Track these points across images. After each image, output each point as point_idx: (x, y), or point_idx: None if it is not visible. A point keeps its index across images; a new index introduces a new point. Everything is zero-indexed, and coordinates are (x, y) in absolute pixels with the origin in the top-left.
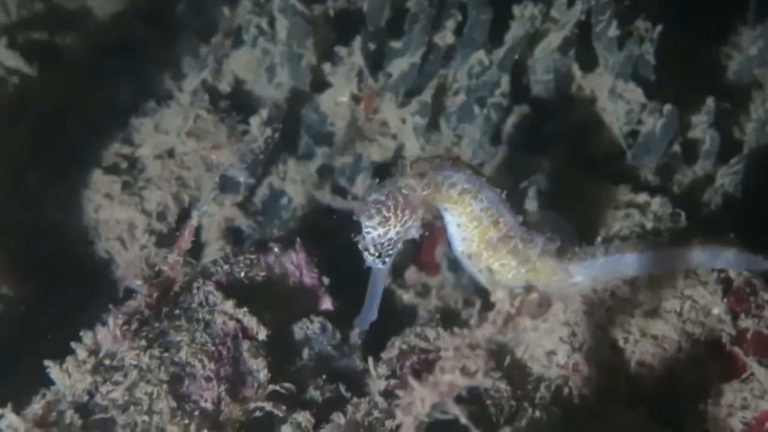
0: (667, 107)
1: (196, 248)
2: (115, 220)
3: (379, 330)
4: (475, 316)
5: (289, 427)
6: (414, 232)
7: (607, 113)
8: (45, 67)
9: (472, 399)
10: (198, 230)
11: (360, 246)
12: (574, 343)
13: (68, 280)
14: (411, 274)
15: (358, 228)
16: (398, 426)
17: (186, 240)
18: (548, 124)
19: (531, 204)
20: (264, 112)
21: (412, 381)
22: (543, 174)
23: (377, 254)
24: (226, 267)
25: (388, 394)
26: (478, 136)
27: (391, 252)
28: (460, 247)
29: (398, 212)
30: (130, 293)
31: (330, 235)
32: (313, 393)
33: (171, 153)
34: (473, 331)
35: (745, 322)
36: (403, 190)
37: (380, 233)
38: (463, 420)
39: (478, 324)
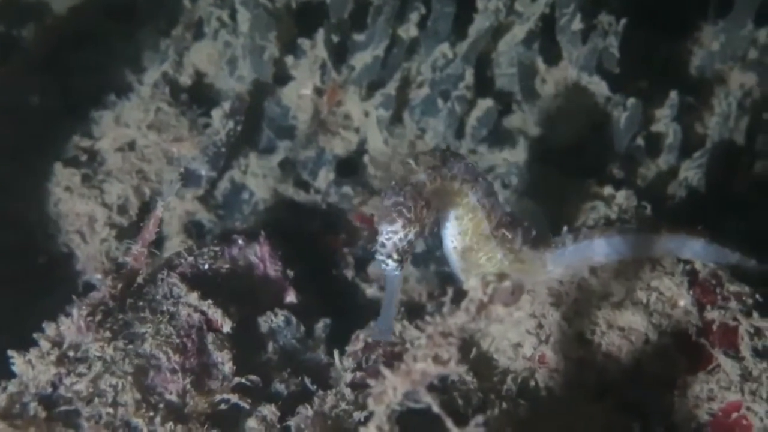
0: (631, 101)
1: (157, 242)
2: (75, 213)
3: (342, 324)
4: (447, 304)
5: (255, 420)
6: (427, 231)
7: (571, 106)
8: (3, 59)
9: (440, 391)
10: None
11: (381, 255)
12: (540, 336)
13: (27, 273)
14: (374, 268)
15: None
16: (369, 416)
17: (150, 231)
18: (512, 118)
19: None
20: (226, 105)
21: (384, 369)
22: (507, 167)
23: (399, 259)
24: (190, 259)
25: (354, 387)
26: (442, 129)
27: (408, 255)
28: (453, 242)
29: (418, 211)
30: (89, 287)
31: (293, 229)
32: (278, 386)
33: (132, 146)
34: (446, 319)
35: (711, 314)
36: (418, 187)
37: (402, 236)
38: (435, 409)
39: (451, 312)
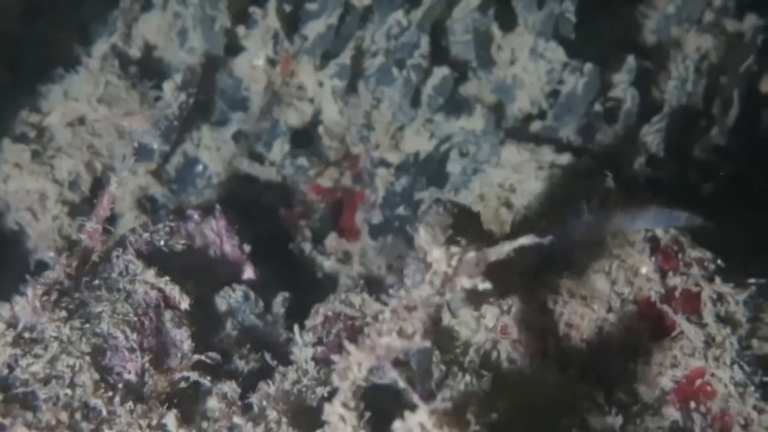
0: (588, 66)
1: (111, 219)
2: (25, 190)
3: (300, 298)
4: (410, 277)
5: (215, 398)
6: None
7: (528, 73)
8: None
9: (403, 365)
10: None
11: None
12: (502, 306)
13: None
14: (331, 241)
15: None
16: (333, 392)
17: (104, 207)
18: (469, 85)
19: (453, 167)
20: (178, 77)
21: (348, 345)
22: (464, 135)
23: None
24: (145, 235)
25: (316, 362)
26: (398, 98)
27: None
28: None
29: None
30: (42, 265)
31: (248, 202)
32: (238, 363)
33: (82, 120)
34: (410, 293)
35: (674, 280)
36: None
37: None
38: (402, 384)
39: (415, 285)
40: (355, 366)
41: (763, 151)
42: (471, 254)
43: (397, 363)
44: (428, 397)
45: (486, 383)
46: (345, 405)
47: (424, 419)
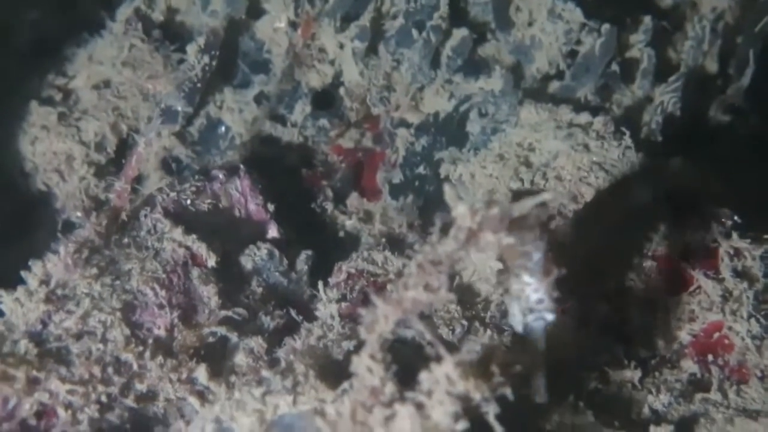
0: (606, 27)
1: (137, 179)
2: (52, 152)
3: (323, 257)
4: (436, 232)
5: (242, 353)
6: None
7: (546, 34)
8: None
9: (425, 320)
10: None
11: (542, 312)
12: None
13: (5, 213)
14: (353, 200)
15: None
16: (360, 345)
17: (133, 167)
18: (487, 47)
19: (473, 127)
20: (201, 40)
21: (375, 298)
22: (483, 96)
23: None
24: (172, 195)
25: (340, 317)
26: (417, 60)
27: None
28: None
29: None
30: (69, 225)
31: (270, 163)
32: (264, 319)
33: (107, 83)
34: (435, 248)
35: (691, 236)
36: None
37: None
38: (428, 336)
39: (440, 240)
40: (382, 319)
41: None
42: (495, 209)
43: (423, 316)
44: (453, 349)
45: (507, 338)
46: (372, 357)
47: (450, 370)
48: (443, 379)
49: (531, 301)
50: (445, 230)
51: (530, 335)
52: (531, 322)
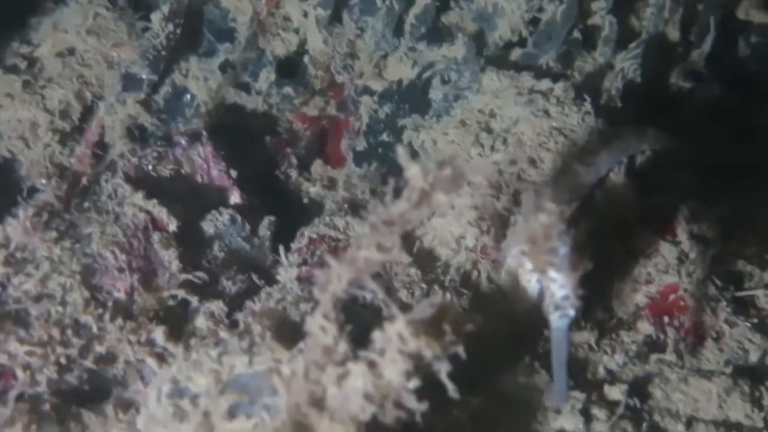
0: None
1: (102, 147)
2: (16, 119)
3: (287, 223)
4: (389, 193)
5: (203, 316)
6: None
7: (508, 2)
8: None
9: (385, 284)
10: (103, 130)
11: (566, 309)
12: (482, 227)
13: None
14: (317, 167)
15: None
16: (315, 305)
17: (93, 132)
18: (450, 14)
19: (435, 94)
20: (165, 8)
21: (329, 258)
22: (446, 63)
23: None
24: (134, 160)
25: (300, 281)
26: (381, 27)
27: None
28: None
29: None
30: (34, 192)
31: (235, 131)
32: (226, 284)
33: (71, 51)
34: (388, 208)
35: (650, 200)
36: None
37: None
38: (381, 295)
39: (393, 201)
40: (335, 279)
41: (739, 77)
42: (447, 170)
43: (376, 276)
44: (406, 309)
45: (465, 301)
46: (326, 316)
47: (402, 329)
48: (395, 338)
49: (557, 297)
50: (398, 192)
51: (555, 333)
52: (556, 320)
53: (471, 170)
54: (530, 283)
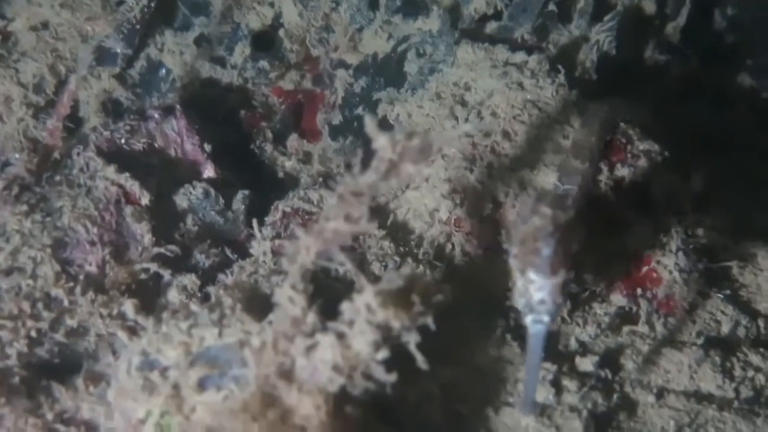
0: None
1: (77, 122)
2: None
3: (262, 197)
4: (357, 164)
5: (175, 289)
6: None
7: None
8: None
9: (355, 258)
10: (77, 104)
11: (540, 314)
12: (455, 199)
13: None
14: (292, 141)
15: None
16: (284, 276)
17: (65, 105)
18: None
19: (411, 67)
20: None
21: (298, 230)
22: (422, 36)
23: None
24: (106, 134)
25: (273, 254)
26: (356, 1)
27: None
28: None
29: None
30: (8, 166)
31: (210, 105)
32: (199, 257)
33: (45, 25)
34: (356, 179)
35: (621, 172)
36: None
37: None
38: (349, 266)
39: (361, 172)
40: (304, 250)
41: (714, 49)
42: (415, 141)
43: (346, 248)
44: (375, 279)
45: (439, 273)
46: (294, 288)
47: (370, 299)
48: (363, 309)
49: (533, 300)
50: (366, 162)
51: (530, 340)
52: (531, 326)
53: (439, 140)
54: (516, 285)
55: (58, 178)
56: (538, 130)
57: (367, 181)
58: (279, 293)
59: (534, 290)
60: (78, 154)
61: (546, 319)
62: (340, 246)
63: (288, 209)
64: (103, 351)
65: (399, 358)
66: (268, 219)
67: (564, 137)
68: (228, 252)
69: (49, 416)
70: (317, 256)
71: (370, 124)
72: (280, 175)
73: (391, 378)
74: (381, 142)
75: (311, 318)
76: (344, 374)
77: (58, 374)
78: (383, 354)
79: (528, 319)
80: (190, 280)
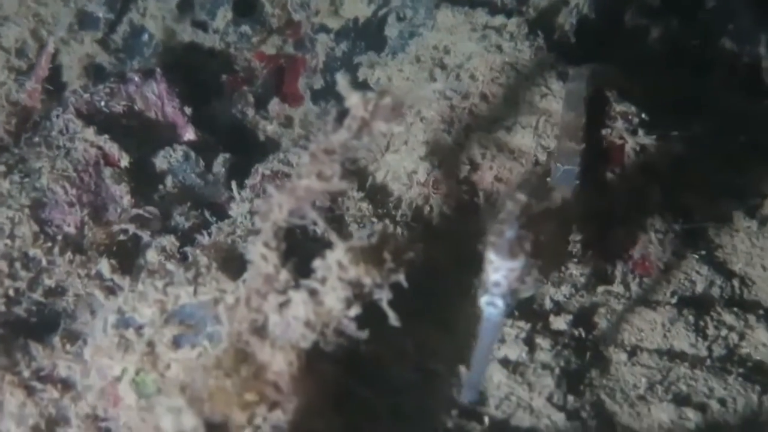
0: None
1: (59, 86)
2: None
3: (242, 160)
4: (330, 122)
5: (154, 250)
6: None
7: None
8: None
9: (333, 219)
10: (59, 69)
11: (493, 296)
12: (433, 161)
13: None
14: (274, 105)
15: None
16: (256, 234)
17: (43, 67)
18: None
19: (391, 31)
20: None
21: (270, 188)
22: (402, 1)
23: (510, 302)
24: (86, 96)
25: (251, 216)
26: None
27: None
28: None
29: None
30: None
31: (193, 69)
32: (178, 219)
33: None
34: (328, 137)
35: (598, 133)
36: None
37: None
38: (321, 223)
39: (333, 130)
40: (276, 208)
41: (695, 12)
42: (387, 99)
43: (317, 206)
44: (347, 237)
45: (416, 234)
46: (266, 245)
47: (341, 256)
48: (335, 266)
49: (489, 280)
50: (339, 120)
51: (483, 323)
52: (485, 307)
53: (410, 99)
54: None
55: (36, 139)
56: (515, 92)
57: (340, 139)
58: (252, 250)
59: (491, 270)
60: (57, 116)
61: (500, 303)
62: (313, 204)
63: (267, 172)
64: (81, 310)
65: (374, 317)
66: (248, 182)
67: (541, 98)
68: (207, 214)
69: (26, 373)
70: (290, 213)
71: (342, 84)
72: (262, 138)
73: (363, 334)
74: (353, 100)
75: (284, 275)
76: (316, 331)
77: (36, 333)
78: (355, 310)
79: (482, 300)
80: (169, 241)
